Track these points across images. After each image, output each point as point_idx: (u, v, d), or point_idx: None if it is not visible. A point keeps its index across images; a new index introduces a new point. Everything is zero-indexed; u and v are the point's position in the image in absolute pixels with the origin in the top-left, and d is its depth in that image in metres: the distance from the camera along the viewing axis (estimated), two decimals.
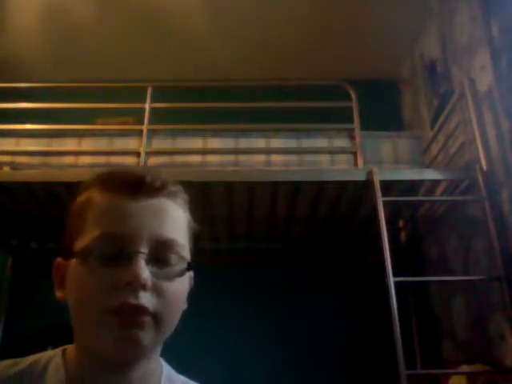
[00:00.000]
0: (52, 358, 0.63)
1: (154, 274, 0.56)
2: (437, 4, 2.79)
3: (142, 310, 0.54)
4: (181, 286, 0.60)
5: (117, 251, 0.56)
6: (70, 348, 0.64)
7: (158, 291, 0.56)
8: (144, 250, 0.56)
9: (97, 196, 0.61)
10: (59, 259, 0.62)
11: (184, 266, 0.60)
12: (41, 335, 2.50)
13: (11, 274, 3.01)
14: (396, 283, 1.91)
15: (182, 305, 0.61)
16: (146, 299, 0.55)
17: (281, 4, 2.93)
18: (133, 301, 0.54)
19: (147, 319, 0.55)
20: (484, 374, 1.91)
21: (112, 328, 0.54)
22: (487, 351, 2.08)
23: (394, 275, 1.92)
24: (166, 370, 0.67)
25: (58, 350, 0.64)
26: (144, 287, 0.54)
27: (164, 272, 0.58)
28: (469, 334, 2.31)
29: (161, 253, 0.58)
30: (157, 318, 0.56)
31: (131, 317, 0.54)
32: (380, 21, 2.99)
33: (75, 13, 2.98)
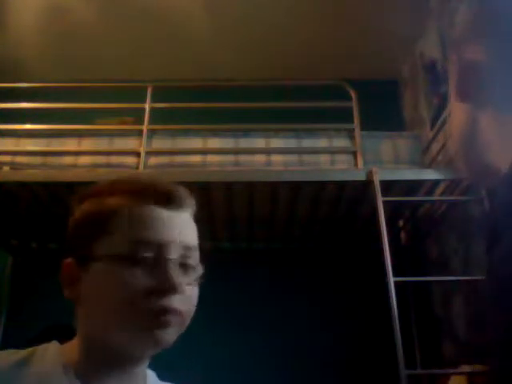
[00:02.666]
0: (48, 347, 0.65)
1: (182, 280, 0.61)
2: (437, 4, 2.78)
3: (174, 311, 0.60)
4: (197, 292, 0.65)
5: (152, 256, 0.60)
6: (68, 344, 0.65)
7: (184, 296, 0.61)
8: (176, 257, 0.62)
9: (126, 204, 0.63)
10: (70, 260, 0.64)
11: (201, 271, 0.65)
12: (41, 336, 2.50)
13: (11, 274, 3.01)
14: (396, 283, 1.91)
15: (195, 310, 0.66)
16: (177, 303, 0.60)
17: (281, 4, 2.93)
18: (167, 304, 0.59)
19: (176, 319, 0.60)
20: (484, 374, 1.91)
21: (143, 327, 0.58)
22: (487, 351, 2.08)
23: (394, 275, 1.93)
24: (151, 380, 0.69)
25: (53, 342, 0.66)
26: (176, 291, 0.59)
27: (189, 278, 0.63)
28: (469, 334, 2.31)
29: (187, 260, 0.63)
30: (182, 319, 0.61)
31: (161, 317, 0.59)
32: (380, 21, 2.99)
33: (75, 13, 2.98)
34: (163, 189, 0.66)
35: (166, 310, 0.59)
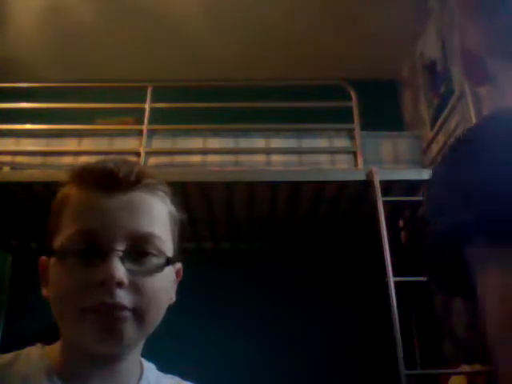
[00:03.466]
0: (30, 351, 0.63)
1: (131, 271, 0.55)
2: (437, 4, 2.78)
3: (120, 307, 0.54)
4: (161, 281, 0.59)
5: (92, 249, 0.55)
6: (52, 345, 0.64)
7: (135, 288, 0.56)
8: (119, 247, 0.55)
9: (72, 192, 0.60)
10: (43, 257, 0.62)
11: (163, 260, 0.59)
12: (41, 335, 2.50)
13: (11, 274, 3.01)
14: (396, 283, 1.91)
15: (165, 299, 0.61)
16: (122, 297, 0.54)
17: (280, 4, 2.93)
18: (109, 300, 0.54)
19: (127, 314, 0.55)
20: (484, 374, 1.91)
21: (92, 324, 0.54)
22: (487, 351, 2.08)
23: (394, 275, 1.92)
24: (150, 372, 0.67)
25: (37, 344, 0.64)
26: (120, 285, 0.54)
27: (142, 268, 0.57)
28: (469, 334, 2.31)
29: (138, 248, 0.57)
30: (137, 314, 0.56)
31: (110, 314, 0.54)
32: (380, 21, 2.99)
33: (75, 13, 2.98)
34: (104, 171, 0.59)
35: (111, 306, 0.54)
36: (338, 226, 2.83)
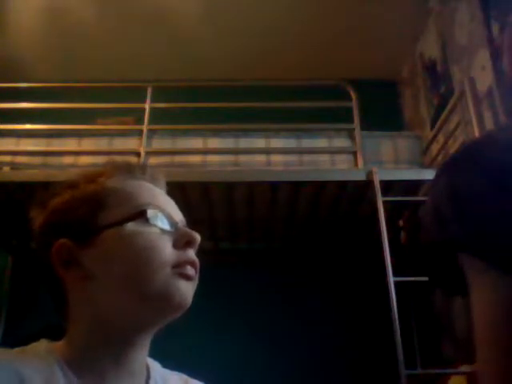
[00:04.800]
0: (36, 346, 0.63)
1: None
2: (437, 4, 2.79)
3: (196, 264, 0.64)
4: None
5: (163, 216, 0.63)
6: (57, 342, 0.64)
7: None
8: (179, 222, 0.66)
9: (115, 182, 0.66)
10: (63, 241, 0.62)
11: None
12: (41, 335, 2.50)
13: (11, 274, 3.01)
14: (396, 283, 1.91)
15: None
16: (194, 256, 0.65)
17: (281, 5, 2.94)
18: (193, 257, 0.64)
19: (194, 273, 0.64)
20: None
21: (183, 277, 0.61)
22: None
23: (394, 275, 1.92)
24: (156, 371, 0.68)
25: (41, 340, 0.65)
26: (197, 244, 0.65)
27: None
28: (469, 333, 2.30)
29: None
30: (197, 273, 0.66)
31: (191, 270, 0.63)
32: (380, 21, 2.99)
33: (75, 13, 2.98)
34: (145, 166, 0.71)
35: (191, 262, 0.63)
36: (337, 225, 2.83)
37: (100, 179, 0.67)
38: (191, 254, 0.64)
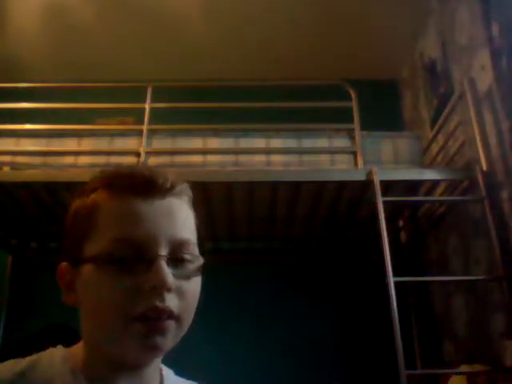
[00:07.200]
0: (53, 353, 0.62)
1: (174, 275, 0.56)
2: (437, 4, 2.78)
3: (169, 312, 0.55)
4: (196, 285, 0.60)
5: (136, 255, 0.55)
6: (74, 347, 0.63)
7: (179, 292, 0.57)
8: (163, 252, 0.56)
9: (105, 198, 0.59)
10: (64, 264, 0.61)
11: (199, 263, 0.60)
12: (41, 335, 2.50)
13: (11, 274, 3.01)
14: (396, 283, 1.91)
15: (196, 303, 0.61)
16: (171, 301, 0.55)
17: (280, 4, 2.93)
18: (160, 304, 0.54)
19: (171, 323, 0.56)
20: (484, 374, 1.91)
21: (138, 336, 0.54)
22: (487, 351, 2.08)
23: (394, 275, 1.92)
24: (169, 379, 0.67)
25: (59, 346, 0.64)
26: (169, 290, 0.55)
27: (182, 272, 0.58)
28: (469, 333, 2.31)
29: (177, 253, 0.58)
30: (179, 320, 0.57)
31: (157, 322, 0.54)
32: (380, 21, 2.99)
33: (75, 13, 2.98)
34: (142, 178, 0.59)
35: (161, 311, 0.54)
36: (337, 225, 2.83)
37: (93, 192, 0.61)
38: (158, 301, 0.54)
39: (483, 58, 2.19)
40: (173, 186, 0.61)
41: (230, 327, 2.82)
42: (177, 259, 0.58)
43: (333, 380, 2.71)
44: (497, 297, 2.01)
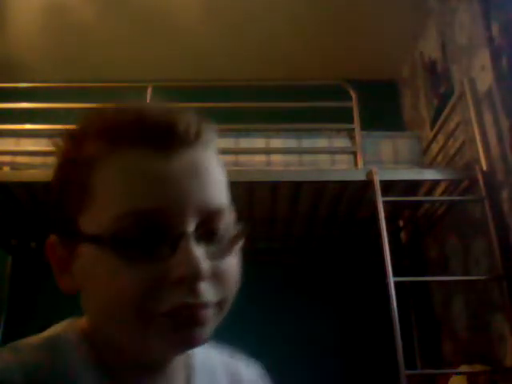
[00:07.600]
0: (67, 327, 0.51)
1: (207, 256, 0.42)
2: (437, 4, 2.78)
3: (205, 306, 0.42)
4: (236, 259, 0.48)
5: (154, 234, 0.40)
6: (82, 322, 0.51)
7: (217, 276, 0.43)
8: (191, 227, 0.41)
9: (104, 153, 0.43)
10: (54, 238, 0.47)
11: (236, 232, 0.48)
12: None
13: (11, 274, 3.01)
14: (396, 283, 1.91)
15: (238, 283, 0.49)
16: (207, 292, 0.42)
17: (281, 4, 2.93)
18: (191, 300, 0.41)
19: (210, 312, 0.43)
20: (484, 374, 1.91)
21: (166, 331, 0.42)
22: (487, 351, 2.08)
23: (394, 275, 1.92)
24: (198, 355, 0.58)
25: (68, 323, 0.52)
26: (203, 279, 0.41)
27: (218, 249, 0.44)
28: (469, 334, 2.31)
29: (211, 225, 0.44)
30: (220, 306, 0.45)
31: (191, 317, 0.42)
32: (380, 21, 2.99)
33: (75, 13, 2.98)
34: (156, 122, 0.42)
35: (194, 307, 0.41)
36: (337, 225, 2.83)
37: (97, 142, 0.44)
38: (191, 295, 0.41)
39: (483, 58, 2.19)
40: (199, 134, 0.45)
41: (229, 327, 2.82)
42: (209, 232, 0.44)
43: (333, 379, 2.71)
44: (497, 297, 2.01)
